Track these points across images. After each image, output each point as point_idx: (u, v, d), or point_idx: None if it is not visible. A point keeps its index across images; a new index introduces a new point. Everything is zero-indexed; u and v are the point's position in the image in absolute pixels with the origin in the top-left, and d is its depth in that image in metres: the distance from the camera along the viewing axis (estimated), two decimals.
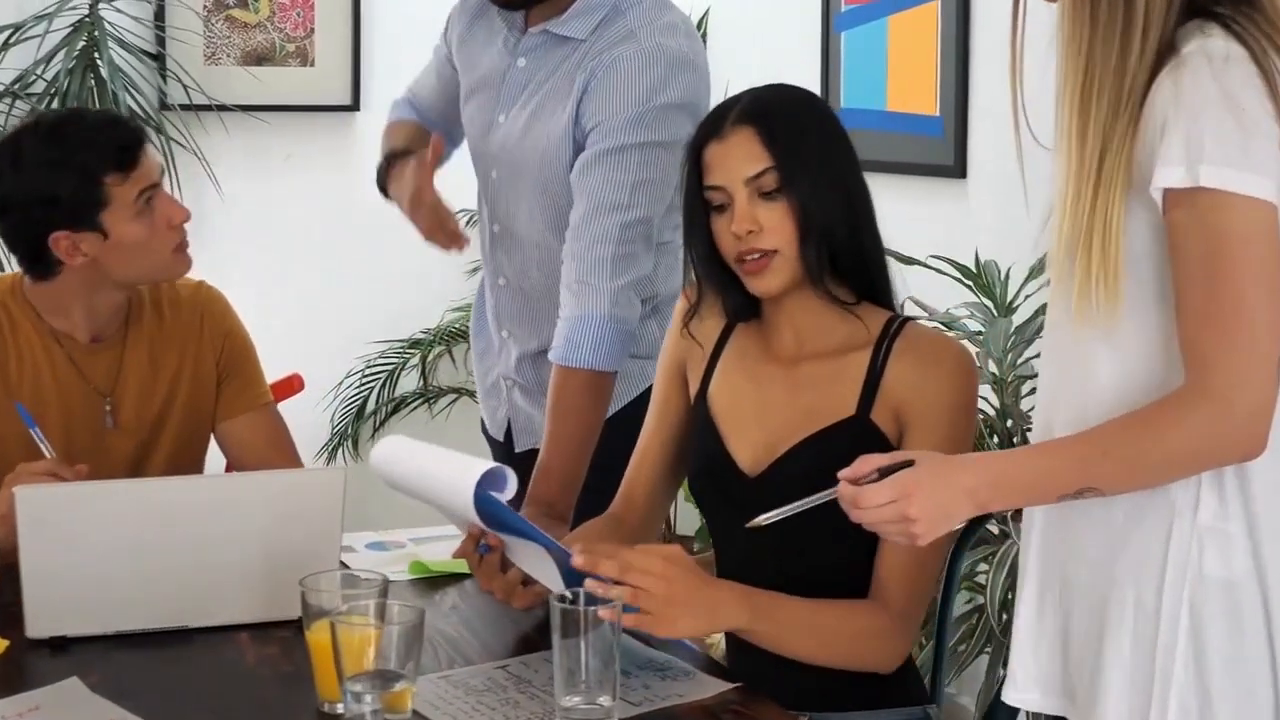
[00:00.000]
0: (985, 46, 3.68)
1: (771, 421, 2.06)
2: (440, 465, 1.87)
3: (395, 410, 4.59)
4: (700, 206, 2.05)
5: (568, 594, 1.73)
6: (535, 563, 1.91)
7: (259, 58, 4.36)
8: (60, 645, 1.98)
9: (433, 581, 2.27)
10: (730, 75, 4.66)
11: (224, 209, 4.27)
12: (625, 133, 2.42)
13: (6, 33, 4.05)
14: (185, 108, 4.23)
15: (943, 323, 3.30)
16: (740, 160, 1.98)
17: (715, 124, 2.03)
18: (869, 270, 2.06)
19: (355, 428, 4.57)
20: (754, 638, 1.91)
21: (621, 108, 2.43)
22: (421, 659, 1.77)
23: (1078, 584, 1.73)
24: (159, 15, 4.26)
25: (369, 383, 4.54)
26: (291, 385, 2.99)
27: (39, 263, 2.28)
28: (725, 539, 2.14)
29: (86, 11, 4.10)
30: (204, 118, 4.24)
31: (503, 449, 2.80)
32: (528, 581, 2.00)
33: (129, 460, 2.39)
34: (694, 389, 2.17)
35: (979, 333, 3.19)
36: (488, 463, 1.83)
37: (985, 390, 2.92)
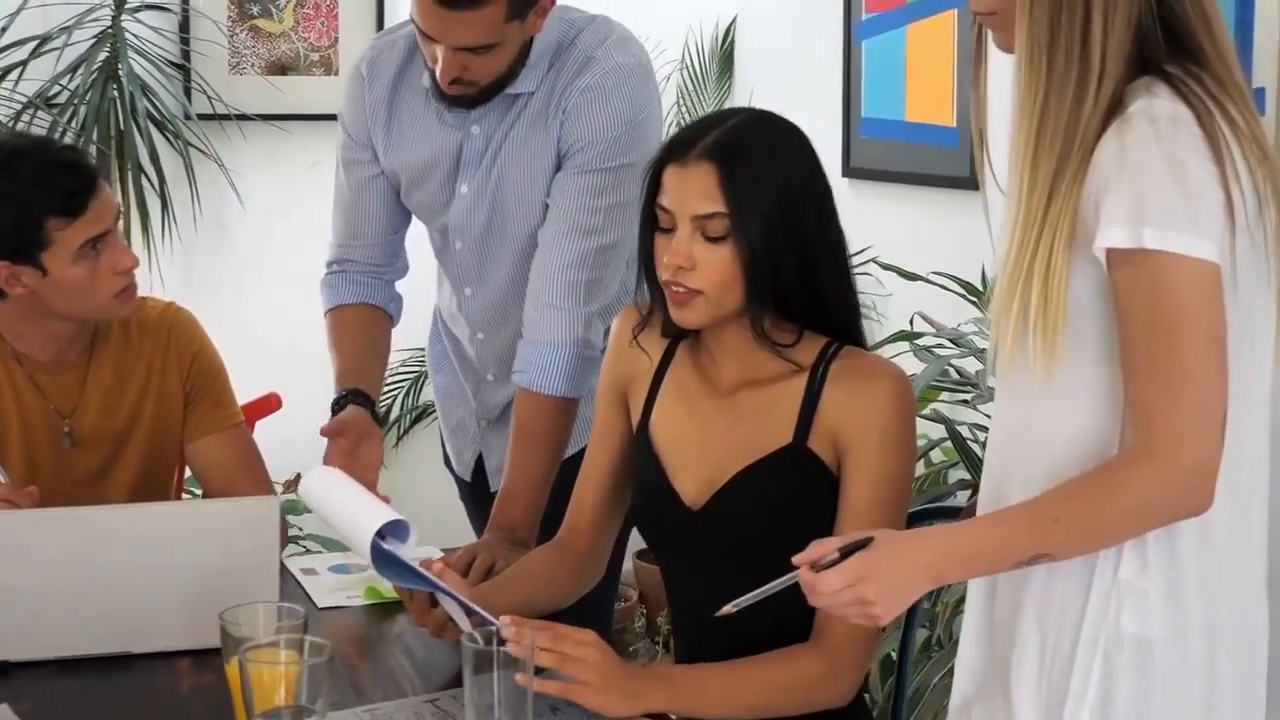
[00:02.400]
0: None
1: (712, 453, 2.04)
2: (347, 510, 1.86)
3: (418, 419, 4.59)
4: (652, 218, 2.02)
5: (477, 634, 1.72)
6: (452, 605, 1.91)
7: (283, 67, 4.38)
8: (3, 671, 2.00)
9: (387, 608, 2.28)
10: (755, 83, 4.66)
11: (245, 218, 4.30)
12: (604, 157, 2.40)
13: (32, 44, 4.09)
14: (207, 117, 4.25)
15: (949, 339, 3.25)
16: (694, 195, 1.94)
17: (681, 148, 1.97)
18: (826, 309, 2.02)
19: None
20: (687, 714, 1.91)
21: (602, 132, 2.40)
22: (360, 689, 1.77)
23: (1002, 624, 1.72)
24: (183, 26, 4.29)
25: (391, 391, 4.55)
26: (269, 404, 3.00)
27: None
28: (674, 570, 2.13)
29: (109, 23, 4.14)
30: (227, 127, 4.26)
31: (469, 489, 2.79)
32: None
33: (90, 479, 2.40)
34: (636, 415, 2.15)
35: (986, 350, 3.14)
36: (391, 514, 1.82)
37: None
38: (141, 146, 4.12)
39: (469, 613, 1.86)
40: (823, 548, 1.67)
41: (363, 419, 2.41)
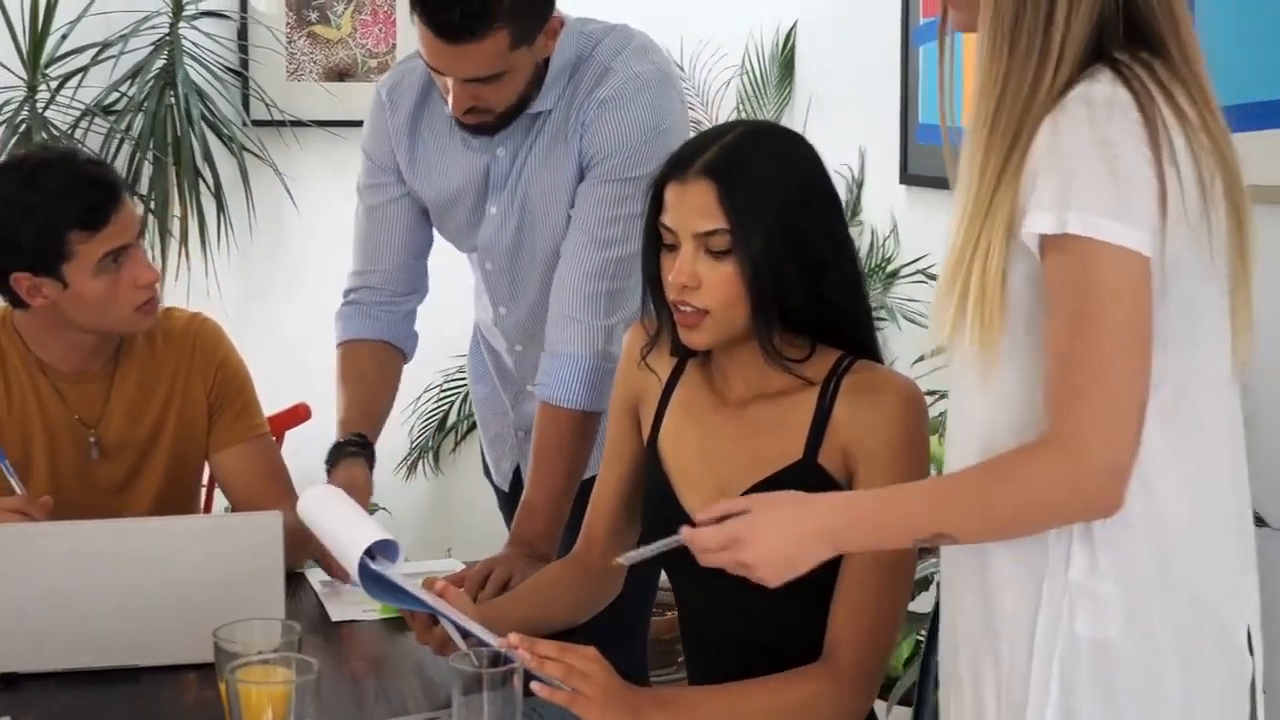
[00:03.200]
0: None
1: (721, 468, 2.01)
2: (338, 529, 1.84)
3: (475, 425, 4.58)
4: (656, 236, 1.99)
5: (469, 654, 1.70)
6: (450, 624, 1.89)
7: (340, 73, 4.39)
8: (10, 682, 2.00)
9: (402, 623, 2.25)
10: (814, 89, 4.62)
11: (301, 223, 4.31)
12: (625, 167, 2.36)
13: (94, 50, 4.13)
14: (264, 124, 4.27)
15: None
16: (694, 213, 1.91)
17: (680, 165, 1.95)
18: (836, 320, 1.99)
19: (436, 441, 4.58)
20: None
21: (622, 142, 2.37)
22: (361, 706, 1.75)
23: (964, 635, 1.68)
24: (242, 33, 4.32)
25: (448, 396, 4.55)
26: (297, 414, 3.00)
27: (7, 294, 2.31)
28: (682, 587, 2.10)
29: (167, 30, 4.17)
30: (284, 133, 4.28)
31: (507, 499, 2.78)
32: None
33: (115, 489, 2.41)
34: (645, 430, 2.12)
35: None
36: (380, 533, 1.80)
37: None
38: (198, 153, 4.14)
39: (464, 634, 1.84)
40: (713, 510, 1.68)
41: (360, 479, 2.41)
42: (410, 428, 4.54)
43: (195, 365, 2.45)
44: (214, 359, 2.47)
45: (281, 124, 4.26)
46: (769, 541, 1.63)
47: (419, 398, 4.51)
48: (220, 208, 4.19)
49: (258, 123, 4.31)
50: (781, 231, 1.90)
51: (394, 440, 4.45)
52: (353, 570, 1.78)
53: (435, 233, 2.66)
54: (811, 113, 4.53)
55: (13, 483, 2.22)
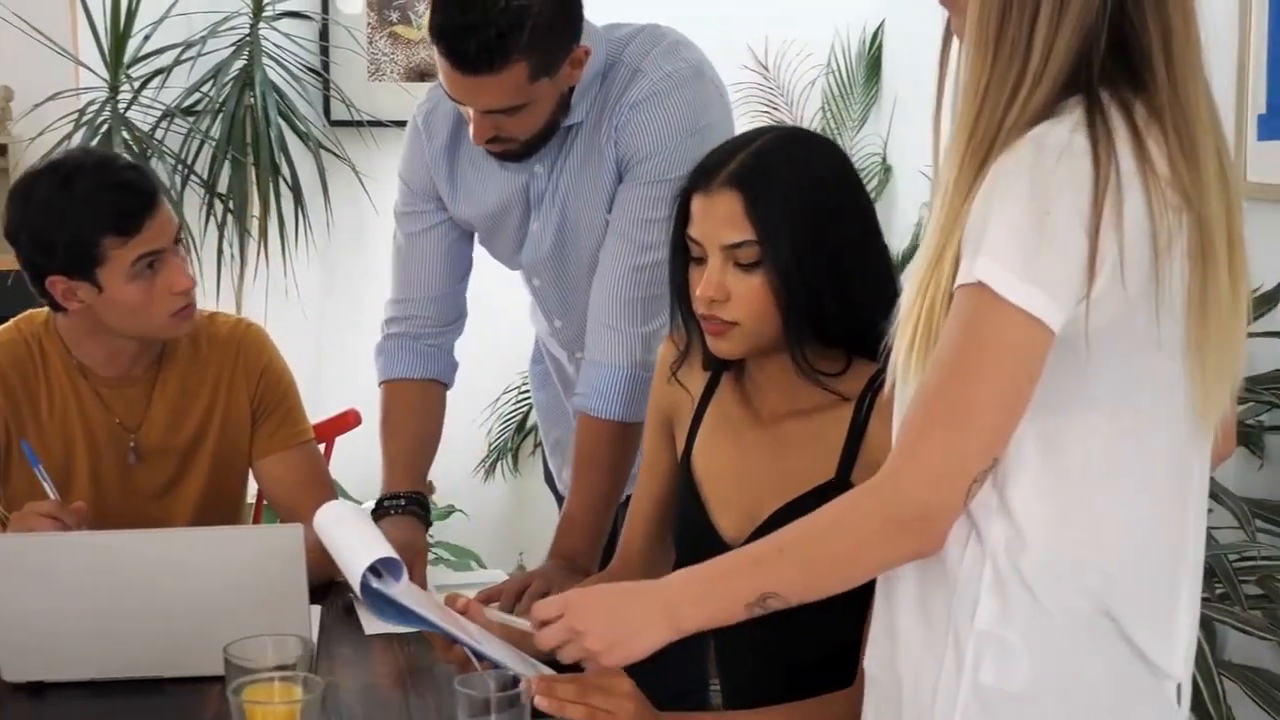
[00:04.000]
0: None
1: (753, 487, 1.95)
2: (345, 547, 1.81)
3: None
4: (684, 250, 1.94)
5: (479, 677, 1.66)
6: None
7: (421, 74, 4.38)
8: (37, 690, 2.00)
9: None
10: (899, 90, 4.53)
11: (380, 223, 4.30)
12: (662, 169, 2.30)
13: (175, 51, 4.15)
14: (343, 124, 4.27)
15: None
16: (720, 225, 1.86)
17: (705, 176, 1.89)
18: (871, 335, 1.92)
19: (515, 443, 4.55)
20: None
21: (658, 144, 2.31)
22: None
23: (871, 677, 1.63)
24: (323, 34, 4.32)
25: (526, 397, 4.51)
26: (346, 421, 2.97)
27: (45, 297, 2.30)
28: None
29: (247, 31, 4.18)
30: (364, 133, 4.28)
31: None
32: None
33: (155, 494, 2.40)
34: (680, 445, 2.07)
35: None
36: (383, 551, 1.76)
37: None
38: (279, 154, 4.15)
39: (479, 656, 1.79)
40: (538, 614, 1.66)
41: (419, 542, 2.39)
42: (489, 429, 4.52)
43: (239, 371, 2.44)
44: (258, 365, 2.45)
45: (360, 124, 4.25)
46: (612, 612, 1.60)
47: (498, 399, 4.50)
48: (299, 208, 4.20)
49: (337, 123, 4.32)
50: (811, 241, 1.84)
51: (472, 441, 4.44)
52: (355, 587, 1.75)
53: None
54: (897, 114, 4.45)
55: (46, 487, 2.22)
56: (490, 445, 4.54)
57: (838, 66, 4.57)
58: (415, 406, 2.57)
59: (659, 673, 2.32)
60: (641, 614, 1.59)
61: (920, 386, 1.46)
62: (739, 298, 1.86)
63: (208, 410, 2.42)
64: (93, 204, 2.21)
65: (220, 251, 4.16)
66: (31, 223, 2.24)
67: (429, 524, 2.47)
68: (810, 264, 1.84)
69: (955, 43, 1.55)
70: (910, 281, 1.52)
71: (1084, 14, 1.45)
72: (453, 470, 4.52)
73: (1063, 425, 1.48)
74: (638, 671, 2.01)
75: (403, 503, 2.44)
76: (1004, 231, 1.40)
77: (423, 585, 2.33)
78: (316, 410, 4.22)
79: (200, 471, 2.42)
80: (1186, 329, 1.48)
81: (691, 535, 2.01)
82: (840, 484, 1.88)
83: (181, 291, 2.27)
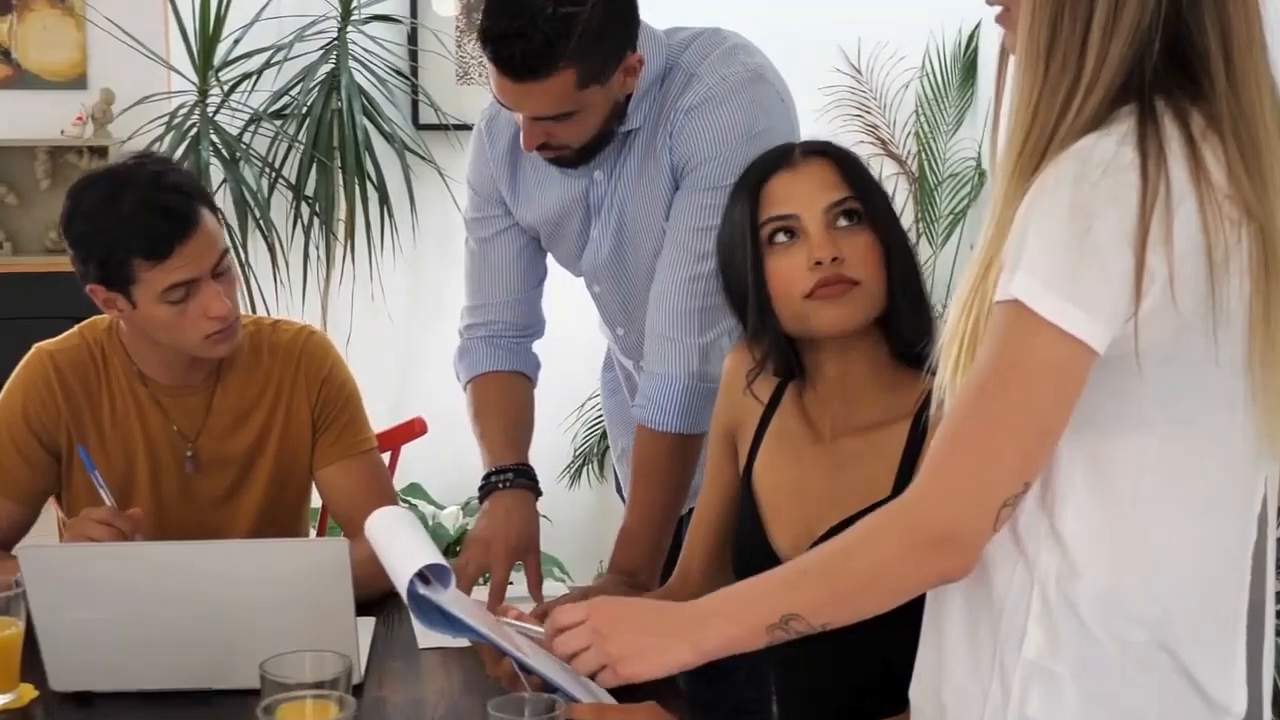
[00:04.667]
0: None
1: (811, 503, 1.91)
2: (393, 552, 1.78)
3: None
4: (755, 247, 1.90)
5: (515, 699, 1.63)
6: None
7: None
8: (85, 700, 1.99)
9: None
10: (992, 94, 4.42)
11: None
12: (718, 174, 2.24)
13: (263, 55, 4.17)
14: (428, 128, 4.27)
15: None
16: (816, 188, 1.88)
17: (782, 157, 1.92)
18: (923, 331, 1.88)
19: (600, 449, 4.52)
20: None
21: (713, 149, 2.26)
22: None
23: (919, 706, 1.57)
24: (411, 38, 4.32)
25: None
26: (412, 429, 2.95)
27: (92, 302, 2.30)
28: None
29: (335, 35, 4.19)
30: (451, 137, 4.27)
31: None
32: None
33: (215, 503, 2.39)
34: (741, 460, 2.03)
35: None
36: (431, 557, 1.73)
37: None
38: (365, 156, 4.15)
39: (526, 670, 1.75)
40: (557, 620, 1.64)
41: (532, 537, 2.33)
42: (574, 434, 4.49)
43: (300, 380, 2.42)
44: (319, 374, 2.43)
45: (447, 128, 4.24)
46: (637, 623, 1.57)
47: (583, 405, 4.47)
48: (384, 210, 4.20)
49: (424, 126, 4.31)
50: (892, 219, 1.91)
51: (559, 447, 4.41)
52: (402, 593, 1.72)
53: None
54: None
55: (102, 494, 2.21)
56: (575, 451, 4.51)
57: (932, 69, 4.49)
58: (506, 391, 2.53)
59: (721, 688, 2.28)
60: (665, 629, 1.55)
61: (953, 404, 1.41)
62: (853, 257, 1.85)
63: (268, 419, 2.40)
64: (131, 224, 2.19)
65: (306, 255, 4.17)
66: (75, 231, 2.24)
67: (539, 493, 2.41)
68: (897, 234, 1.89)
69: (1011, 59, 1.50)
70: (956, 298, 1.47)
71: (1138, 18, 1.39)
72: (538, 476, 4.50)
73: (1115, 448, 1.42)
74: (700, 685, 1.98)
75: (511, 475, 2.38)
76: (1042, 248, 1.35)
77: (538, 581, 2.31)
78: (400, 414, 4.22)
79: (260, 480, 2.41)
80: (1249, 345, 1.41)
81: (747, 552, 1.97)
82: None
83: (216, 317, 2.25)
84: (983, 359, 1.39)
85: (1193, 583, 1.45)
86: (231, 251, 2.31)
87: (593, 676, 1.64)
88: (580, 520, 4.51)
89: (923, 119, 4.49)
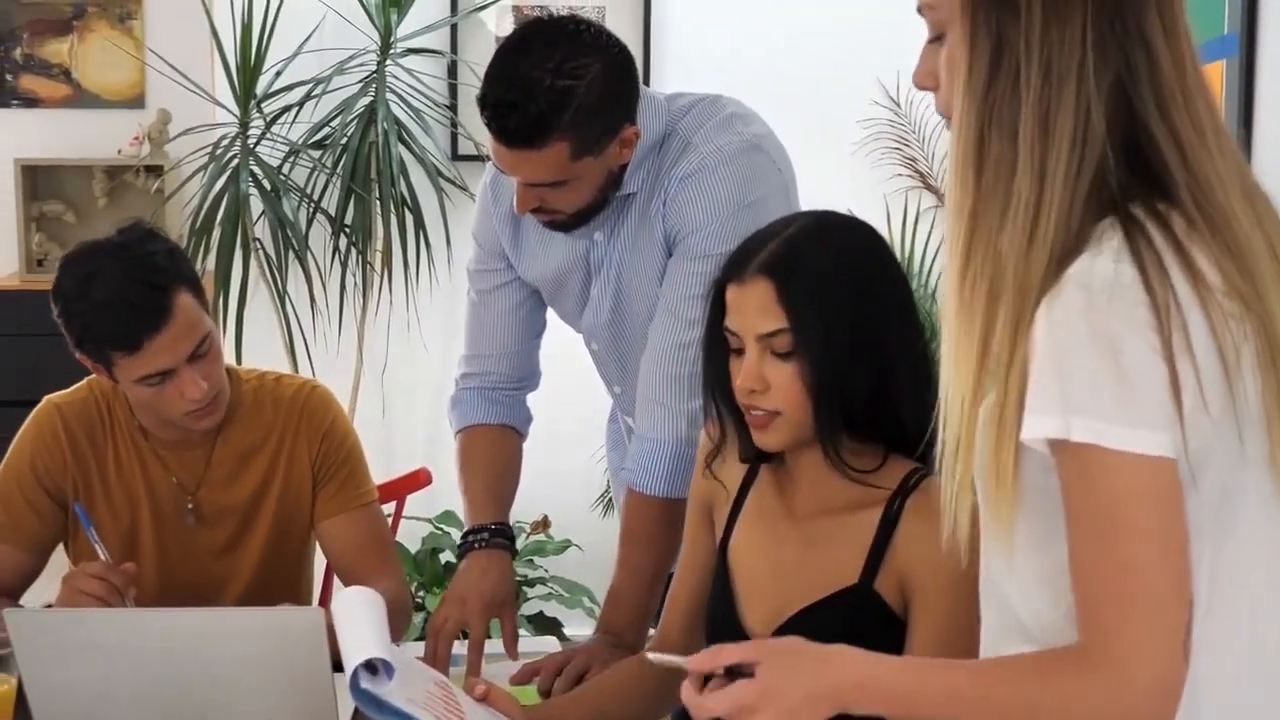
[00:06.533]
0: (1271, 107, 3.32)
1: (783, 583, 1.92)
2: (345, 636, 1.81)
3: None
4: (721, 341, 1.91)
5: None
6: None
7: None
8: None
9: None
10: None
11: None
12: (710, 243, 2.26)
13: (304, 87, 4.23)
14: (465, 159, 4.31)
15: None
16: (754, 314, 1.84)
17: (739, 265, 1.89)
18: (906, 431, 1.87)
19: None
20: None
21: (705, 218, 2.28)
22: None
23: None
24: (451, 71, 4.36)
25: None
26: (416, 480, 2.99)
27: None
28: None
29: (374, 68, 4.23)
30: (489, 168, 4.29)
31: None
32: None
33: (217, 554, 2.44)
34: (718, 534, 2.04)
35: None
36: (378, 650, 1.75)
37: None
38: (404, 189, 4.20)
39: None
40: (712, 658, 1.52)
41: (505, 593, 2.36)
42: (606, 465, 4.50)
43: (301, 434, 2.46)
44: (320, 428, 2.47)
45: (485, 159, 4.26)
46: (785, 703, 1.47)
47: None
48: (420, 239, 4.24)
49: (461, 157, 4.35)
50: (846, 329, 1.82)
51: (591, 476, 4.43)
52: (346, 682, 1.76)
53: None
54: None
55: (98, 549, 2.27)
56: (608, 480, 4.52)
57: None
58: (494, 445, 2.56)
59: None
60: (809, 702, 1.48)
61: (1079, 567, 1.37)
62: (778, 387, 1.83)
63: (268, 471, 2.45)
64: (101, 314, 2.22)
65: (343, 285, 4.22)
66: (57, 307, 2.28)
67: (515, 554, 2.45)
68: (843, 349, 1.82)
69: None
70: (945, 387, 1.45)
71: (1077, 129, 1.36)
72: (571, 504, 4.53)
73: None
74: None
75: (486, 535, 2.41)
76: (1085, 384, 1.32)
77: (514, 637, 2.34)
78: (434, 442, 4.24)
79: (261, 532, 2.45)
80: (1269, 440, 1.39)
81: (718, 625, 1.98)
82: (864, 589, 1.84)
83: (192, 400, 2.28)
84: (1081, 510, 1.35)
85: (1231, 713, 1.42)
86: (215, 331, 2.33)
87: None
88: (612, 550, 4.48)
89: None
